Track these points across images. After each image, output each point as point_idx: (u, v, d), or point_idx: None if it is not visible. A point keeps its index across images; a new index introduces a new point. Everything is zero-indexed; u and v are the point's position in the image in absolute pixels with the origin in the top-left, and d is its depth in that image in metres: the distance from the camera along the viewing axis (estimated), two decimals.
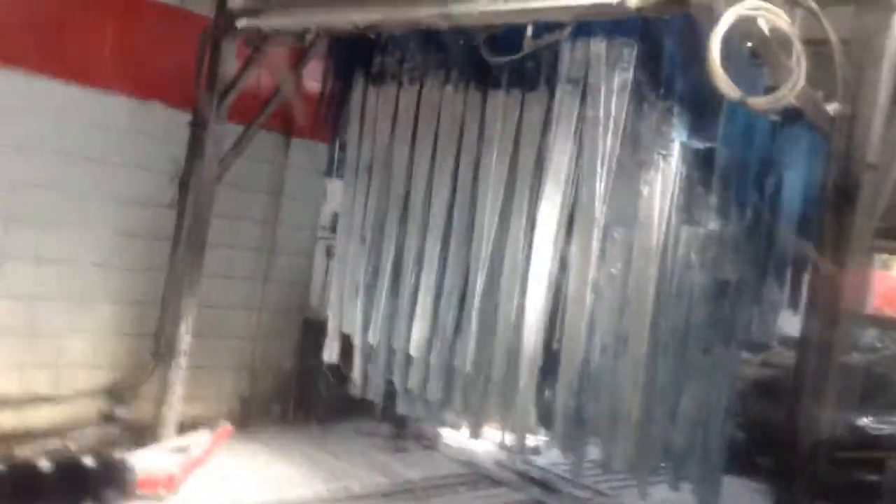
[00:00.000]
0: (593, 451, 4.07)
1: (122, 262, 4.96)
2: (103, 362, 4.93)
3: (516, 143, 4.01)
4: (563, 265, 3.87)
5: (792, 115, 3.28)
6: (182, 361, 4.78)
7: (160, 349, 4.84)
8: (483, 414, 4.44)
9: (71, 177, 4.69)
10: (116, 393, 4.87)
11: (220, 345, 5.45)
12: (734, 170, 3.52)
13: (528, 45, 3.47)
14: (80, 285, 4.81)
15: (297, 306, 5.91)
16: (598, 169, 3.72)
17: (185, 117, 4.76)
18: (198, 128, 4.74)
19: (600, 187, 3.73)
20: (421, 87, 4.45)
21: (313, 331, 5.72)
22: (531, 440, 4.34)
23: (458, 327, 4.30)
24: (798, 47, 2.70)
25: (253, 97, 4.94)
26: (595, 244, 3.78)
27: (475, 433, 4.56)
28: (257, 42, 4.53)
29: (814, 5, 2.61)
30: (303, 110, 5.16)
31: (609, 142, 3.68)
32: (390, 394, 4.85)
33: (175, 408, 4.75)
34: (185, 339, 4.78)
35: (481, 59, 3.72)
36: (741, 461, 4.60)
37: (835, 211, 2.76)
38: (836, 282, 2.81)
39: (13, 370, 4.60)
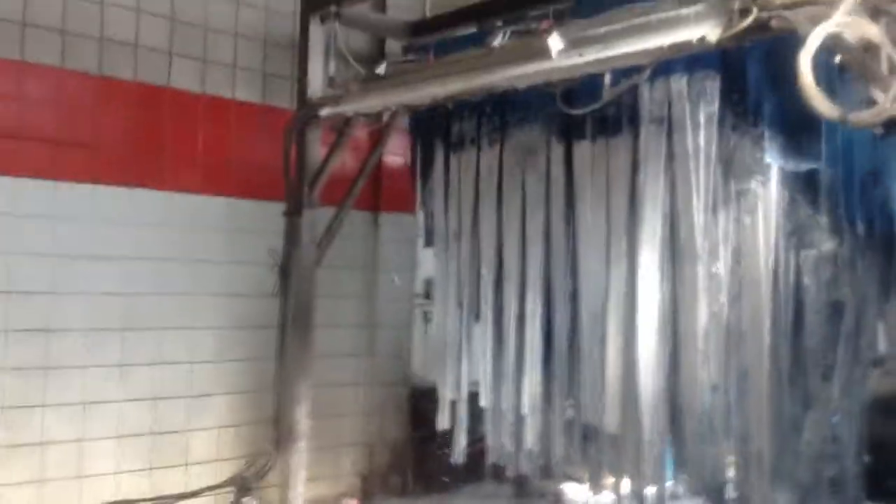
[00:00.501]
0: (727, 494, 3.92)
1: (234, 354, 5.12)
2: (227, 454, 5.05)
3: (607, 190, 4.01)
4: (671, 307, 3.80)
5: (892, 125, 3.19)
6: (302, 445, 4.84)
7: (280, 435, 4.92)
8: (603, 466, 4.36)
9: (177, 280, 4.91)
10: (243, 483, 4.95)
11: (335, 423, 5.52)
12: (838, 187, 3.42)
13: (607, 93, 3.48)
14: (196, 382, 4.98)
15: (403, 376, 5.95)
16: (695, 204, 3.67)
17: (278, 208, 4.92)
18: (292, 216, 4.88)
19: (699, 222, 3.68)
20: (502, 147, 4.50)
21: (421, 399, 5.75)
22: (658, 488, 4.23)
23: (570, 381, 4.26)
24: (892, 55, 2.63)
25: (340, 179, 5.08)
26: (700, 281, 3.71)
27: (596, 486, 4.46)
28: (340, 127, 4.67)
29: None
30: (388, 185, 5.28)
31: (702, 176, 3.64)
32: (507, 455, 4.81)
33: (300, 491, 4.80)
34: (303, 421, 4.84)
35: (560, 110, 3.75)
36: (876, 486, 4.35)
37: None
38: None
39: (143, 473, 4.76)
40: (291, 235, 4.85)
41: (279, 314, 5.01)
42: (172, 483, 4.83)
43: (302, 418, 4.81)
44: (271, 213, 5.00)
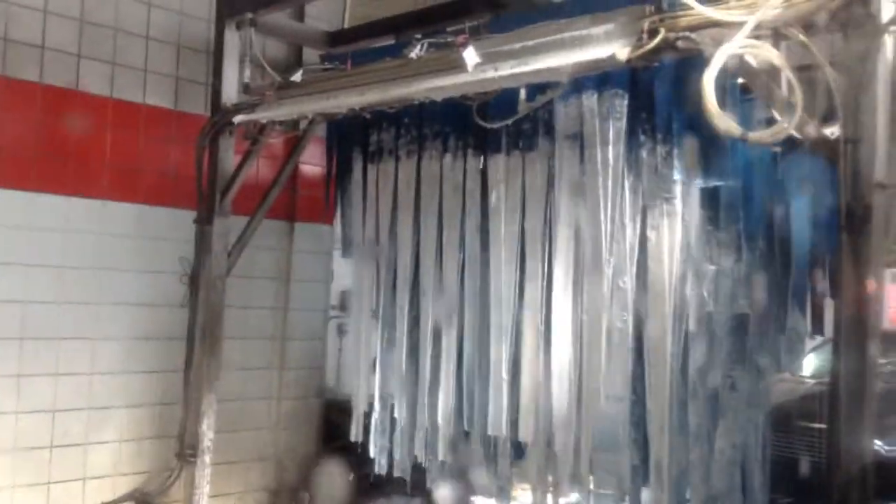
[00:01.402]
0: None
1: (139, 366, 4.97)
2: (128, 469, 4.89)
3: (522, 204, 4.06)
4: (580, 320, 3.87)
5: (791, 144, 3.34)
6: (207, 459, 4.71)
7: (184, 449, 4.78)
8: (514, 477, 4.38)
9: (80, 288, 4.74)
10: (143, 498, 4.79)
11: (243, 438, 5.40)
12: (740, 204, 3.55)
13: (522, 107, 3.53)
14: (97, 394, 4.81)
15: (316, 389, 5.88)
16: (603, 220, 3.74)
17: (189, 216, 4.81)
18: (203, 224, 4.78)
19: (607, 238, 3.75)
20: (419, 158, 4.52)
21: (335, 412, 5.68)
22: (566, 500, 4.28)
23: (483, 393, 4.27)
24: (791, 78, 2.76)
25: (254, 188, 5.01)
26: (607, 295, 3.78)
27: (507, 498, 4.48)
28: (254, 134, 4.60)
29: (802, 37, 2.67)
30: (304, 195, 5.22)
31: (610, 192, 3.71)
32: (418, 467, 4.80)
33: None
34: (207, 436, 4.72)
35: (478, 124, 3.78)
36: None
37: (850, 232, 2.76)
38: (861, 302, 2.81)
39: (40, 487, 4.55)
40: (202, 244, 4.75)
41: (188, 325, 4.90)
42: (70, 498, 4.64)
43: (207, 432, 4.69)
44: (183, 221, 4.89)
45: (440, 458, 4.56)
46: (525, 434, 4.10)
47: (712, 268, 3.67)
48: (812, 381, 5.69)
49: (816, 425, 4.86)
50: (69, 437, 4.69)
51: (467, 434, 4.44)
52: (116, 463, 4.86)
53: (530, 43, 3.29)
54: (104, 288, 4.82)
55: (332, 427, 5.72)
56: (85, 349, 4.76)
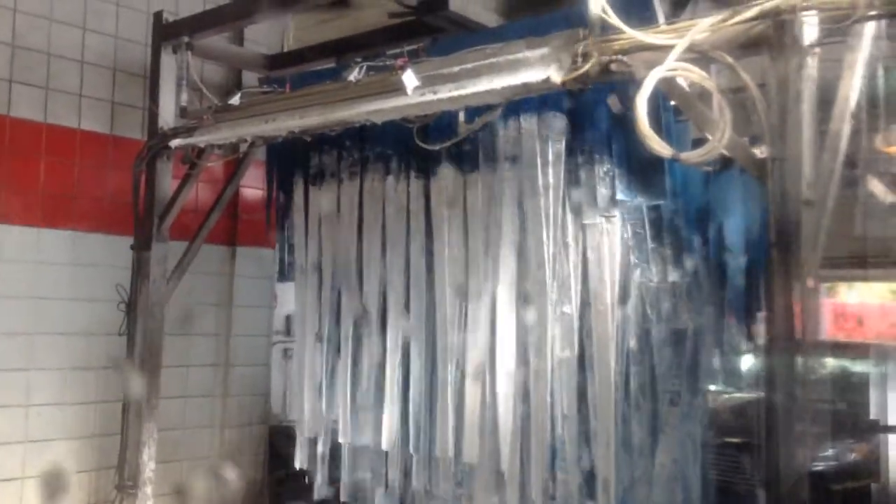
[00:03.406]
0: None
1: (76, 396, 4.85)
2: (66, 502, 4.75)
3: (465, 225, 4.08)
4: (524, 340, 3.89)
5: (722, 163, 3.43)
6: (148, 491, 4.61)
7: (124, 481, 4.66)
8: (464, 499, 4.37)
9: (13, 318, 4.62)
10: None
11: (186, 468, 5.30)
12: (677, 221, 3.63)
13: (462, 129, 3.56)
14: (34, 426, 4.67)
15: (260, 416, 5.80)
16: (545, 240, 3.79)
17: (126, 242, 4.72)
18: (140, 250, 4.69)
19: (548, 258, 3.79)
20: (362, 181, 4.51)
21: (280, 439, 5.61)
22: None
23: (430, 415, 4.27)
24: (719, 99, 2.84)
25: (193, 212, 4.95)
26: (549, 314, 3.82)
27: None
28: (193, 158, 4.55)
29: (729, 59, 2.75)
30: (245, 218, 5.17)
31: (551, 212, 3.76)
32: (365, 491, 4.75)
33: None
34: (149, 466, 4.62)
35: (420, 146, 3.80)
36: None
37: (780, 248, 2.84)
38: (791, 316, 2.89)
39: None
40: (140, 270, 4.67)
41: (126, 353, 4.79)
42: None
43: (149, 462, 4.59)
44: (120, 248, 4.81)
45: (388, 482, 4.53)
46: (470, 455, 4.09)
47: (652, 285, 3.74)
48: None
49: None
50: (5, 472, 4.55)
51: (414, 457, 4.42)
52: (53, 496, 4.71)
53: (468, 66, 3.33)
54: (40, 317, 4.70)
55: (278, 454, 5.65)
56: (20, 380, 4.62)
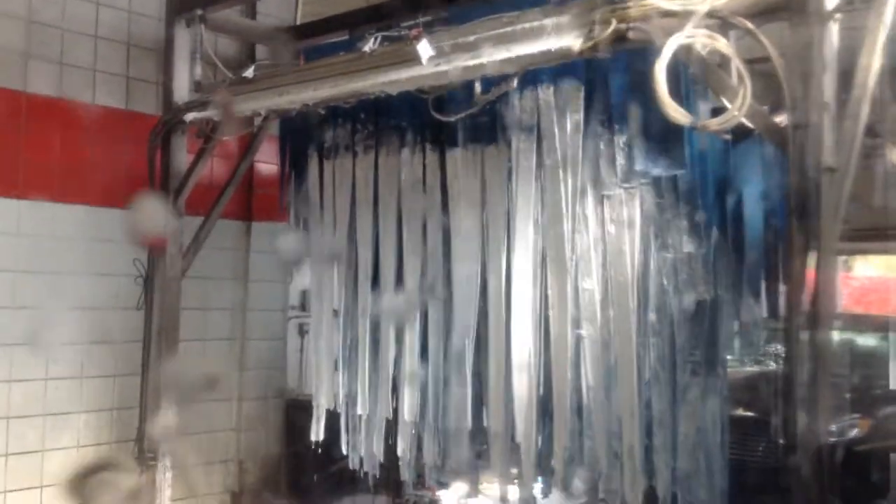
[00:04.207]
0: (598, 490, 4.02)
1: (95, 370, 4.89)
2: None
3: (482, 197, 4.06)
4: (543, 311, 3.88)
5: (742, 132, 3.38)
6: (168, 462, 4.66)
7: (144, 453, 4.71)
8: (481, 470, 4.39)
9: (31, 292, 4.64)
10: None
11: (204, 440, 5.35)
12: (695, 192, 3.59)
13: (478, 100, 3.53)
14: (53, 400, 4.72)
15: (277, 389, 5.83)
16: (563, 211, 3.77)
17: None
18: None
19: (568, 229, 3.78)
20: (377, 154, 4.50)
21: (297, 412, 5.64)
22: (535, 489, 4.30)
23: (447, 386, 4.28)
24: (739, 66, 2.80)
25: (208, 187, 4.95)
26: (570, 285, 3.81)
27: (475, 491, 4.49)
28: (207, 133, 4.54)
29: (749, 25, 2.71)
30: (260, 193, 5.17)
31: (570, 183, 3.74)
32: (383, 464, 4.78)
33: None
34: (168, 438, 4.66)
35: (435, 118, 3.78)
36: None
37: (800, 217, 2.81)
38: (811, 287, 2.86)
39: None
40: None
41: (144, 327, 4.82)
42: None
43: (168, 435, 4.63)
44: None
45: (405, 454, 4.55)
46: (490, 426, 4.10)
47: (671, 256, 3.72)
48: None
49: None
50: (25, 445, 4.60)
51: (434, 428, 4.44)
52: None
53: (483, 35, 3.29)
54: (57, 292, 4.72)
55: (294, 427, 5.68)
56: (38, 354, 4.66)
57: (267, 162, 5.53)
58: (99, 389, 4.91)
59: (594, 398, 3.78)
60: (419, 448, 4.50)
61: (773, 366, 4.73)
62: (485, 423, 4.16)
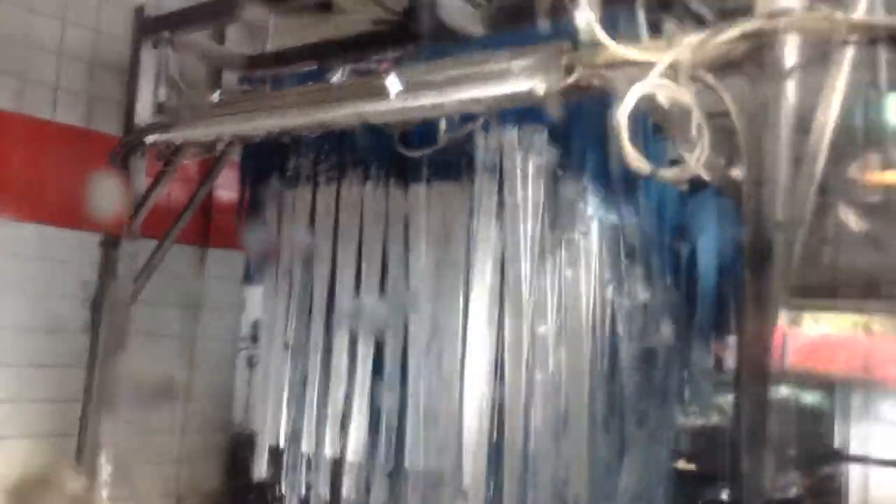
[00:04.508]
0: None
1: (34, 394, 4.72)
2: None
3: (443, 235, 4.07)
4: (498, 353, 3.87)
5: (698, 184, 3.45)
6: (104, 494, 4.51)
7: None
8: None
9: None
10: None
11: (143, 472, 5.18)
12: (650, 240, 3.64)
13: (443, 138, 3.55)
14: None
15: (222, 423, 5.70)
16: (522, 253, 3.79)
17: (96, 238, 4.65)
18: (108, 247, 4.62)
19: (526, 271, 3.79)
20: (339, 186, 4.48)
21: (241, 448, 5.51)
22: None
23: (399, 426, 4.22)
24: (699, 119, 2.85)
25: (166, 211, 4.88)
26: (526, 328, 3.81)
27: None
28: (168, 156, 4.49)
29: (710, 80, 2.78)
30: (218, 219, 5.11)
31: (529, 225, 3.77)
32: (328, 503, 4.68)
33: None
34: (105, 469, 4.52)
35: (399, 153, 3.79)
36: None
37: (753, 271, 2.85)
38: (762, 341, 2.89)
39: None
40: (107, 267, 4.59)
41: (89, 352, 4.70)
42: None
43: (104, 465, 4.49)
44: (88, 244, 4.72)
45: (350, 494, 4.46)
46: (440, 467, 4.05)
47: (625, 302, 3.75)
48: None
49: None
50: None
51: (377, 469, 4.37)
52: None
53: (452, 74, 3.32)
54: (0, 311, 4.59)
55: (239, 463, 5.54)
56: None
57: (226, 188, 5.47)
58: (36, 414, 4.75)
59: (543, 444, 3.75)
60: (367, 490, 4.42)
61: (718, 419, 4.76)
62: (434, 466, 4.10)
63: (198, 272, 5.50)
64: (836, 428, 5.16)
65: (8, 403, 4.65)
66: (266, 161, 4.84)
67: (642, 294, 3.69)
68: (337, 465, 4.54)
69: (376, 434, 4.34)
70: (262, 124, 3.90)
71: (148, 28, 4.59)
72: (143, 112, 4.55)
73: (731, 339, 3.77)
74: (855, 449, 5.04)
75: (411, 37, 3.99)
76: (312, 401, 4.63)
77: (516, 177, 3.77)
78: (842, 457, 5.04)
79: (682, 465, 4.75)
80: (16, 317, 4.66)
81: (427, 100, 3.37)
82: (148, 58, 4.57)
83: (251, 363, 6.13)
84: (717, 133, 2.95)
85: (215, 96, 4.24)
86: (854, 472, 5.02)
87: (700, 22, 3.31)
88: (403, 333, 4.24)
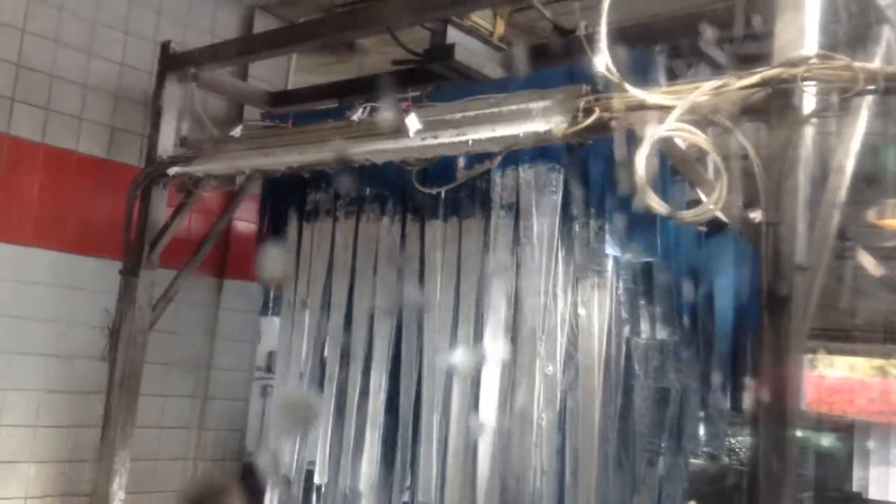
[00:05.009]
0: None
1: (51, 420, 4.77)
2: None
3: (458, 271, 4.08)
4: (511, 390, 3.87)
5: (716, 225, 3.45)
6: None
7: None
8: None
9: None
10: None
11: (157, 499, 5.19)
12: (666, 281, 3.64)
13: (461, 175, 3.58)
14: (4, 447, 4.57)
15: (235, 452, 5.70)
16: (537, 290, 3.79)
17: (115, 267, 4.70)
18: (128, 276, 4.66)
19: (540, 309, 3.79)
20: (357, 220, 4.52)
21: (254, 477, 5.51)
22: None
23: (412, 460, 4.21)
24: (717, 161, 2.87)
25: (185, 242, 4.93)
26: (538, 365, 3.80)
27: None
28: (189, 187, 4.55)
29: (728, 123, 2.79)
30: (236, 251, 5.16)
31: (544, 264, 3.77)
32: None
33: None
34: (118, 496, 4.53)
35: (417, 190, 3.82)
36: None
37: (771, 313, 2.84)
38: (780, 383, 2.88)
39: None
40: (126, 296, 4.63)
41: (107, 379, 4.73)
42: None
43: (118, 492, 4.50)
44: (108, 272, 4.78)
45: None
46: (454, 501, 4.03)
47: (640, 342, 3.74)
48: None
49: None
50: None
51: (391, 502, 4.36)
52: None
53: (470, 114, 3.37)
54: (19, 337, 4.64)
55: (253, 492, 5.54)
56: None
57: (245, 220, 5.53)
58: (52, 439, 4.78)
59: (549, 484, 3.73)
60: None
61: (733, 460, 4.73)
62: (447, 500, 4.08)
63: (214, 302, 5.54)
64: (854, 471, 5.11)
65: (24, 428, 4.68)
66: (285, 195, 4.89)
67: (658, 333, 3.68)
68: (349, 496, 4.53)
69: (390, 466, 4.34)
70: (283, 160, 3.94)
71: (174, 63, 4.67)
72: (166, 144, 4.62)
73: (748, 381, 3.74)
74: (873, 494, 4.99)
75: (430, 77, 4.04)
76: (326, 432, 4.63)
77: (532, 214, 3.79)
78: (860, 500, 4.99)
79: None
80: (35, 343, 4.71)
81: (445, 138, 3.41)
82: (172, 92, 4.64)
83: (265, 392, 6.15)
84: (735, 176, 2.96)
85: (237, 131, 4.29)
86: None
87: (716, 67, 3.35)
88: (417, 367, 4.24)
